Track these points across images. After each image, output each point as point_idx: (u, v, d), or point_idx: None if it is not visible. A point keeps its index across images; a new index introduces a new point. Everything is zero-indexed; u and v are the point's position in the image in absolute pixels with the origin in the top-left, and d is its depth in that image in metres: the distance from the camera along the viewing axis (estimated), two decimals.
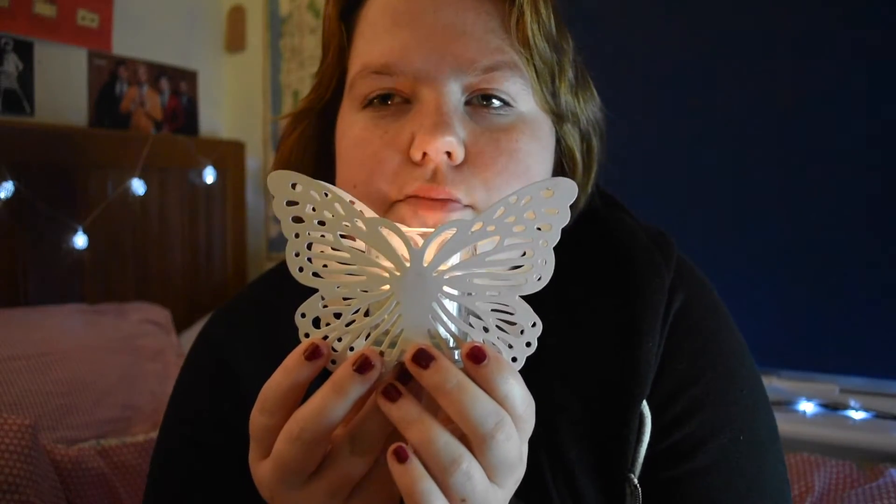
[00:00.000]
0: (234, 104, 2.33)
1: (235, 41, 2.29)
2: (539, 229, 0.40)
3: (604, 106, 0.63)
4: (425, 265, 0.39)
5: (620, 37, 1.57)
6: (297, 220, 0.39)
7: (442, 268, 0.39)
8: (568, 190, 0.40)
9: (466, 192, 0.51)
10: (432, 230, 0.39)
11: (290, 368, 0.39)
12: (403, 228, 0.39)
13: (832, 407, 1.37)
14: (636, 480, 0.54)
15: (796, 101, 1.41)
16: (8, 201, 1.53)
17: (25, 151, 1.61)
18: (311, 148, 0.61)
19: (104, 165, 1.79)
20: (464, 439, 0.38)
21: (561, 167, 0.60)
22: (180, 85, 2.11)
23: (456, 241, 0.39)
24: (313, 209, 0.39)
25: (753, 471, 0.55)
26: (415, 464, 0.37)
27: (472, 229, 0.39)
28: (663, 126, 1.54)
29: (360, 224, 0.39)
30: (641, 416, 0.55)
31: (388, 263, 0.39)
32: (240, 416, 0.60)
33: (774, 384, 1.44)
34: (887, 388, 1.38)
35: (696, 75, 1.51)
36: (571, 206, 0.40)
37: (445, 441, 0.37)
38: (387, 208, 0.52)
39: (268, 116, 2.24)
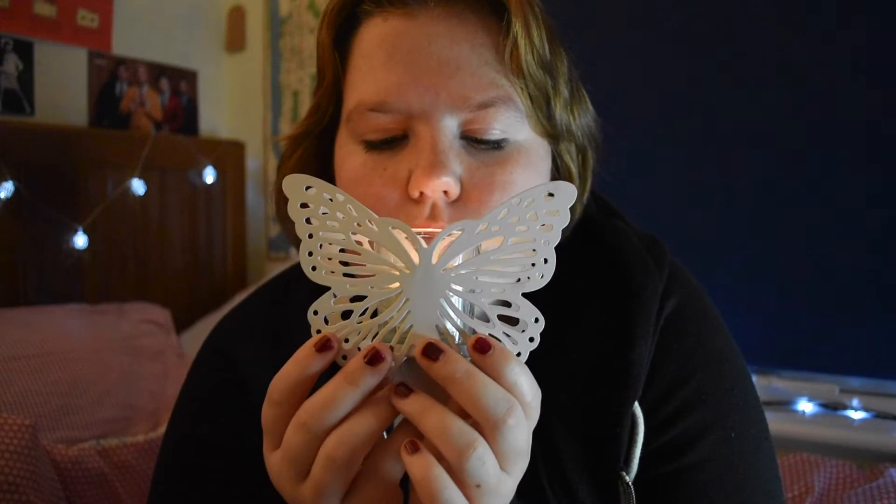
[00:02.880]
0: (234, 104, 2.33)
1: (235, 41, 2.29)
2: (541, 228, 0.42)
3: (598, 115, 0.64)
4: (434, 263, 0.41)
5: (619, 37, 1.57)
6: (310, 221, 0.42)
7: (449, 266, 0.41)
8: (568, 193, 0.42)
9: None
10: (439, 230, 0.42)
11: (301, 360, 0.41)
12: (412, 229, 0.41)
13: (832, 407, 1.37)
14: (629, 479, 0.55)
15: (797, 98, 1.41)
16: (8, 201, 1.53)
17: (25, 151, 1.60)
18: (312, 168, 0.62)
19: (104, 165, 1.79)
20: (475, 426, 0.39)
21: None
22: (180, 85, 2.11)
23: (462, 240, 0.41)
24: (326, 211, 0.41)
25: (745, 467, 0.56)
26: (426, 453, 0.39)
27: (478, 229, 0.41)
28: (663, 126, 1.54)
29: (371, 224, 0.41)
30: (634, 416, 0.56)
31: (398, 262, 0.41)
32: (247, 421, 0.60)
33: (774, 384, 1.43)
34: (887, 388, 1.38)
35: (695, 76, 1.51)
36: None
37: (459, 426, 0.38)
38: None
39: (268, 116, 2.24)
